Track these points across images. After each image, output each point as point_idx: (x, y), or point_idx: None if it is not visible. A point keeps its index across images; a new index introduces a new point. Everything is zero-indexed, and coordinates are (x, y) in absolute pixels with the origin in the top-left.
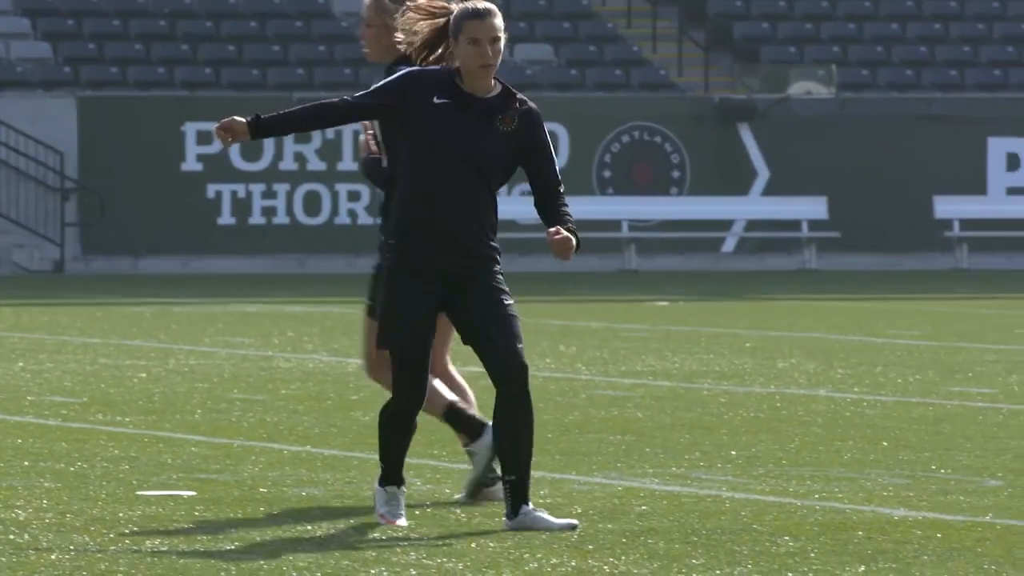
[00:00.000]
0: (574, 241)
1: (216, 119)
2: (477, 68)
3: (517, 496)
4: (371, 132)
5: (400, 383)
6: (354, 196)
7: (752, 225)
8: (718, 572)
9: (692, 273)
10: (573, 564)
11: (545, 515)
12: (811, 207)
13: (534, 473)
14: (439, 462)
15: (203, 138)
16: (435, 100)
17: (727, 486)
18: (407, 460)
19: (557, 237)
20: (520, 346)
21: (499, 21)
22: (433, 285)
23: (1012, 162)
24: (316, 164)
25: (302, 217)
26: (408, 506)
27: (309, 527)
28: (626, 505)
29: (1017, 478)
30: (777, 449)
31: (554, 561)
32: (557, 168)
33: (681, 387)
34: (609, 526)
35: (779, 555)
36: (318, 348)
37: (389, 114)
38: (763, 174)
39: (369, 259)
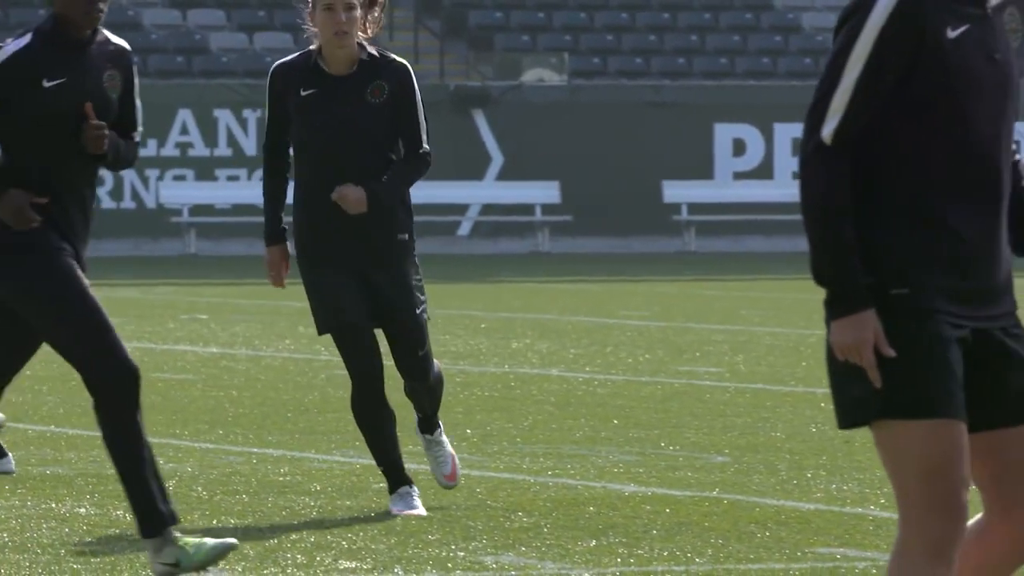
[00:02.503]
0: (364, 199)
1: None
2: (332, 36)
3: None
4: None
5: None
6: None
7: (487, 209)
8: (453, 547)
9: (428, 256)
10: (312, 540)
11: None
12: (544, 192)
13: (273, 451)
14: (181, 441)
15: None
16: (302, 93)
17: (463, 463)
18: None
19: (345, 190)
20: (421, 353)
21: None
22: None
23: (738, 148)
24: None
25: None
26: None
27: (54, 505)
28: (364, 483)
29: (743, 455)
30: (511, 427)
31: (293, 537)
32: (422, 134)
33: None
34: (348, 503)
35: (513, 530)
36: None
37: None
38: (497, 159)
39: (114, 243)
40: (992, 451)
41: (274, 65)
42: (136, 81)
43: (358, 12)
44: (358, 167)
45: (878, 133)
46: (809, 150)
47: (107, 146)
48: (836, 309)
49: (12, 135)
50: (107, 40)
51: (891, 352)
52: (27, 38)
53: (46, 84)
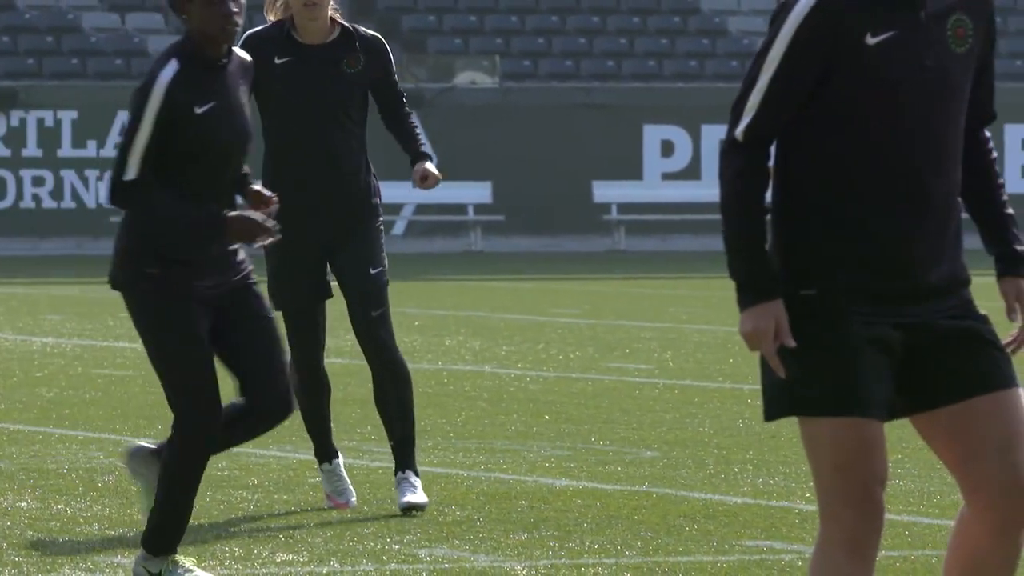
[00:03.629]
0: (435, 169)
1: None
2: (301, 7)
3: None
4: None
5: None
6: (38, 181)
7: (421, 209)
8: (388, 540)
9: None
10: (250, 533)
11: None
12: (476, 192)
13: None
14: (121, 436)
15: None
16: (276, 60)
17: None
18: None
19: (424, 176)
20: (375, 314)
21: None
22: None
23: (666, 148)
24: (1, 151)
25: None
26: (91, 472)
27: None
28: (300, 477)
29: (671, 449)
30: (444, 423)
31: (231, 530)
32: (404, 98)
33: (353, 364)
34: (284, 497)
35: (446, 524)
36: (3, 327)
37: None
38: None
39: (54, 241)
40: (954, 434)
41: (245, 35)
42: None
43: None
44: (327, 134)
45: (796, 133)
46: (725, 145)
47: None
48: (742, 299)
49: (167, 164)
50: (239, 56)
51: (791, 343)
52: (173, 64)
53: (197, 111)
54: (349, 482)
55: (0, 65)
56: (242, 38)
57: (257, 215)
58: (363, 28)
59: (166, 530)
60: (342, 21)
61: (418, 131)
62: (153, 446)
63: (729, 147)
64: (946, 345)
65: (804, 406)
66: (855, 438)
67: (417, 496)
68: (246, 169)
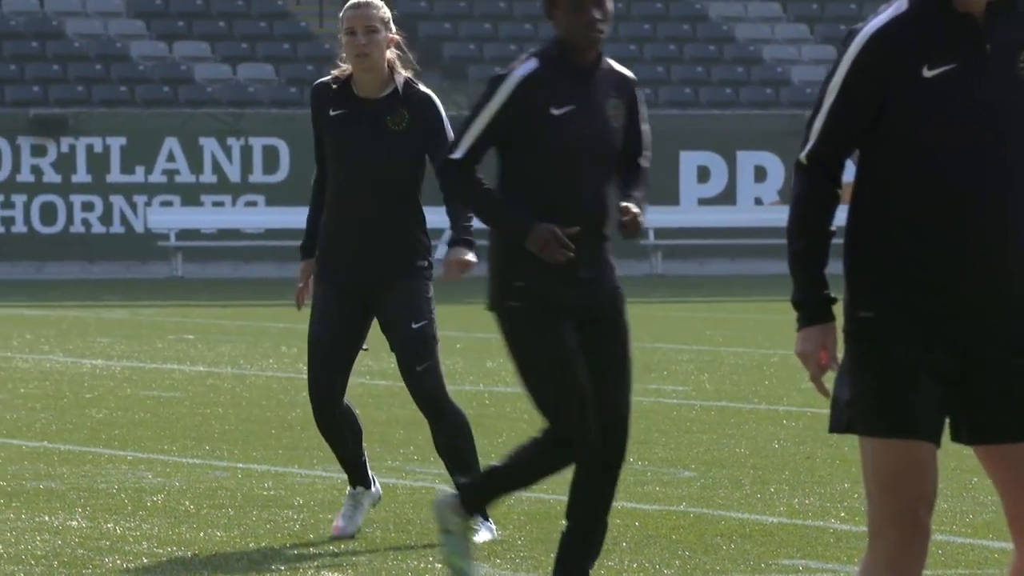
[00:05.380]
0: (471, 256)
1: None
2: (353, 58)
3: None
4: None
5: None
6: (88, 207)
7: None
8: (431, 559)
9: None
10: (295, 552)
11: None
12: None
13: (258, 467)
14: (169, 456)
15: None
16: (331, 113)
17: (439, 479)
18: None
19: (454, 265)
20: (419, 369)
21: (377, 12)
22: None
23: (702, 175)
24: (52, 176)
25: (39, 226)
26: (140, 491)
27: (47, 518)
28: (345, 496)
29: (708, 469)
30: (485, 444)
31: (277, 548)
32: None
33: (396, 385)
34: (329, 516)
35: (488, 543)
36: (54, 349)
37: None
38: None
39: (104, 265)
40: (1006, 471)
41: (314, 83)
42: (642, 109)
43: (381, 35)
44: (376, 191)
45: (864, 158)
46: (795, 167)
47: (641, 229)
48: (798, 320)
49: (522, 165)
50: (611, 68)
51: (835, 368)
52: (532, 63)
53: (554, 112)
54: (360, 512)
55: (50, 93)
56: (313, 84)
57: (560, 232)
58: (417, 84)
59: (485, 495)
60: (402, 74)
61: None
62: (454, 492)
63: (796, 169)
64: (1004, 380)
65: (856, 424)
66: (902, 459)
67: (480, 536)
68: (625, 177)
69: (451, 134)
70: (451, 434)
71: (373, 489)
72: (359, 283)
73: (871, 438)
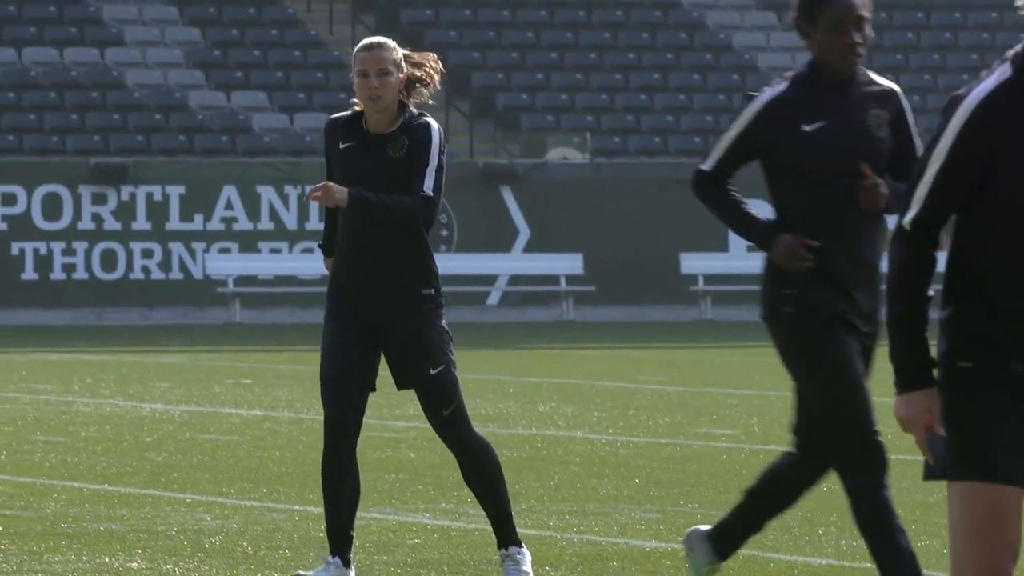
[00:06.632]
0: (346, 193)
1: (19, 183)
2: (366, 100)
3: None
4: None
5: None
6: (147, 253)
7: (514, 280)
8: None
9: (460, 324)
10: None
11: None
12: (568, 263)
13: (314, 509)
14: (227, 499)
15: (6, 200)
16: (340, 145)
17: None
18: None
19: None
20: (446, 413)
21: (389, 54)
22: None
23: None
24: (112, 224)
25: (99, 273)
26: (199, 533)
27: (107, 559)
28: (400, 538)
29: None
30: (538, 486)
31: None
32: (425, 179)
33: None
34: (384, 558)
35: None
36: (115, 393)
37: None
38: (524, 233)
39: (163, 311)
40: None
41: (328, 119)
42: (910, 120)
43: (393, 77)
44: (376, 221)
45: (964, 218)
46: (895, 232)
47: (884, 202)
48: (896, 383)
49: (776, 181)
50: (871, 80)
51: (941, 432)
52: (783, 84)
53: (805, 128)
54: None
55: (111, 142)
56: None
57: (801, 242)
58: (423, 114)
59: (731, 536)
60: (412, 109)
61: (397, 200)
62: (707, 528)
63: (898, 234)
64: None
65: (947, 469)
66: (986, 504)
67: (520, 573)
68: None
69: (434, 161)
70: (480, 468)
71: (351, 574)
72: (367, 316)
73: (959, 482)
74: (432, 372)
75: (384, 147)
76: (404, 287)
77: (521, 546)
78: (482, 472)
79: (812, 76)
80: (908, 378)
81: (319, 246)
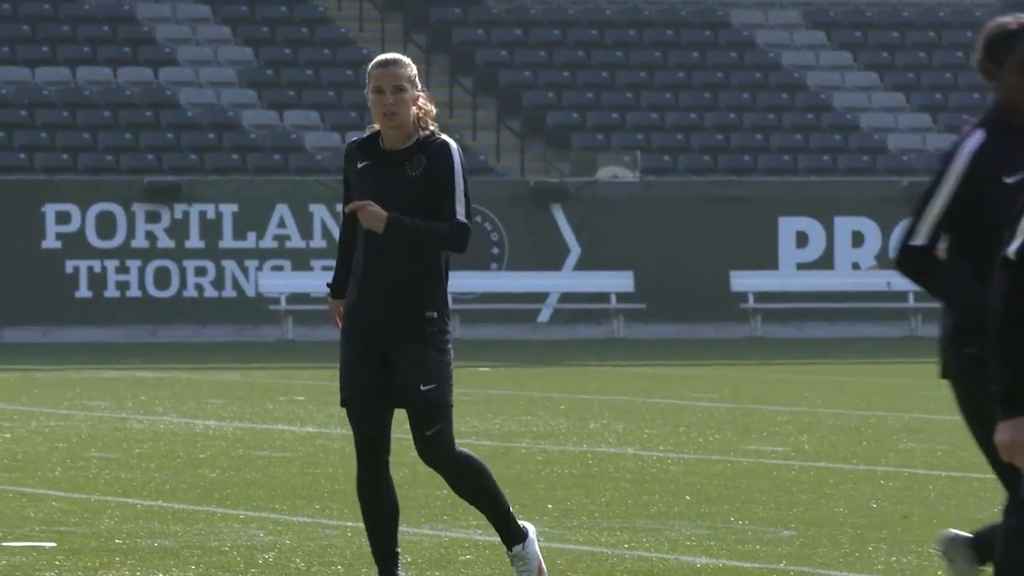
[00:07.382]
0: (384, 218)
1: (73, 201)
2: (380, 116)
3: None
4: None
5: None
6: (200, 271)
7: (565, 297)
8: None
9: (511, 342)
10: None
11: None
12: (619, 281)
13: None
14: (280, 515)
15: (61, 218)
16: (359, 165)
17: (544, 536)
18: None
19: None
20: (428, 433)
21: (404, 71)
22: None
23: (801, 240)
24: (165, 242)
25: (153, 291)
26: (251, 549)
27: (161, 575)
28: (452, 554)
29: (808, 529)
30: (589, 503)
31: None
32: (456, 205)
33: (502, 446)
34: (436, 574)
35: None
36: (168, 410)
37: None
38: (575, 251)
39: (215, 328)
40: None
41: (347, 144)
42: None
43: (408, 94)
44: (383, 237)
45: None
46: (999, 261)
47: None
48: (1002, 410)
49: (979, 238)
50: None
51: None
52: (980, 134)
53: (1008, 181)
54: None
55: (165, 161)
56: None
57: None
58: (439, 132)
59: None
60: (430, 127)
61: (432, 228)
62: (969, 535)
63: (1002, 264)
64: None
65: None
66: None
67: (527, 571)
68: None
69: (461, 185)
70: (466, 481)
71: None
72: (375, 334)
73: None
74: (422, 388)
75: (401, 164)
76: (410, 309)
77: (525, 538)
78: (468, 481)
79: (1002, 122)
80: (1015, 404)
81: (328, 286)
